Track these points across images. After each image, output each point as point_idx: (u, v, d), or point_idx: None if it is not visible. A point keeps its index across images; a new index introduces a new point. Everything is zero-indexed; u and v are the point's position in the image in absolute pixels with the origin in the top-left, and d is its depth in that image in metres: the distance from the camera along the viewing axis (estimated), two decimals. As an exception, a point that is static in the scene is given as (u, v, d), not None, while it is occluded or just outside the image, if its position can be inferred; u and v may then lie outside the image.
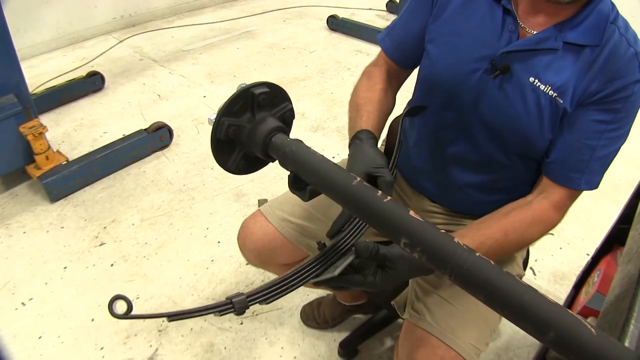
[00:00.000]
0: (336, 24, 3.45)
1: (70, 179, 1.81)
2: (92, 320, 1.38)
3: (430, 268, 0.54)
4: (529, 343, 1.38)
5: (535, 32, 0.73)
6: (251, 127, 0.63)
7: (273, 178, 1.97)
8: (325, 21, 3.51)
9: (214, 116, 0.62)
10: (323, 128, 2.36)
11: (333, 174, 0.55)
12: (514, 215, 0.75)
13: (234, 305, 0.51)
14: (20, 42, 2.20)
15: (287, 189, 0.66)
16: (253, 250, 0.97)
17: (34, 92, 2.27)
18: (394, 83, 0.95)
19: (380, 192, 0.52)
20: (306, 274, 0.59)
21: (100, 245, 1.64)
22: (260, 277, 1.54)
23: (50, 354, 1.30)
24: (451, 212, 0.95)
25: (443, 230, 0.46)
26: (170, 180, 1.95)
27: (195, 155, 2.11)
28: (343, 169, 0.57)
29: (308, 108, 2.50)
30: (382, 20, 3.73)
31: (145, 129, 2.06)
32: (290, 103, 0.70)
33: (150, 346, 1.32)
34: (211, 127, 0.62)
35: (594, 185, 0.76)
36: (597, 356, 0.36)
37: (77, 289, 1.48)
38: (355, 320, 1.43)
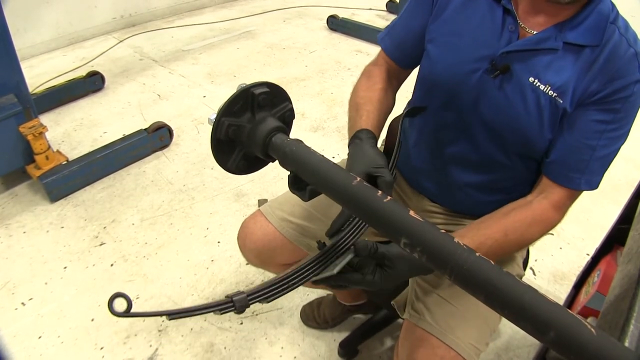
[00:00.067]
0: (336, 24, 3.45)
1: (70, 178, 1.81)
2: (92, 320, 1.38)
3: (429, 267, 0.54)
4: (529, 343, 1.38)
5: (535, 32, 0.73)
6: (251, 127, 0.63)
7: (273, 178, 1.97)
8: (325, 21, 3.51)
9: (214, 116, 0.62)
10: (323, 128, 2.36)
11: (333, 174, 0.55)
12: (514, 215, 0.75)
13: (235, 303, 0.51)
14: (20, 42, 2.19)
15: (287, 189, 0.66)
16: (253, 250, 0.97)
17: (34, 92, 2.28)
18: (393, 82, 0.95)
19: (380, 192, 0.52)
20: (306, 273, 0.59)
21: (100, 245, 1.64)
22: (260, 277, 1.54)
23: (50, 354, 1.30)
24: (451, 212, 0.95)
25: (443, 231, 0.46)
26: (170, 180, 1.95)
27: (195, 155, 2.11)
28: (343, 169, 0.57)
29: (308, 108, 2.50)
30: (382, 20, 3.73)
31: (145, 129, 2.06)
32: (290, 103, 0.70)
33: (150, 346, 1.32)
34: (211, 127, 0.62)
35: (594, 185, 0.76)
36: (597, 356, 0.36)
37: (77, 289, 1.48)
38: (355, 320, 1.43)
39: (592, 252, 1.21)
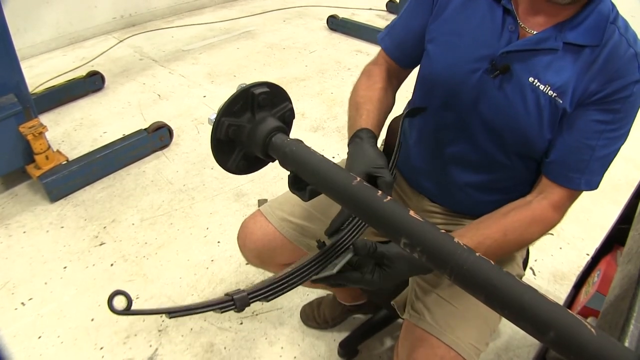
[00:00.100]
0: (336, 24, 3.45)
1: (70, 178, 1.81)
2: (92, 320, 1.38)
3: (428, 267, 0.54)
4: (529, 343, 1.38)
5: (535, 32, 0.73)
6: (251, 127, 0.63)
7: (273, 178, 1.97)
8: (325, 21, 3.51)
9: (214, 116, 0.62)
10: (323, 128, 2.36)
11: (333, 174, 0.55)
12: (513, 215, 0.75)
13: (235, 302, 0.51)
14: (20, 42, 2.19)
15: (287, 189, 0.66)
16: (253, 250, 0.97)
17: (33, 91, 2.27)
18: (393, 82, 0.95)
19: (380, 192, 0.52)
20: (306, 272, 0.59)
21: (100, 245, 1.64)
22: (260, 277, 1.54)
23: (50, 354, 1.30)
24: (451, 212, 0.95)
25: (443, 231, 0.46)
26: (170, 180, 1.95)
27: (195, 155, 2.11)
28: (343, 169, 0.57)
29: (308, 108, 2.50)
30: (382, 20, 3.73)
31: (145, 129, 2.06)
32: (290, 103, 0.70)
33: (150, 346, 1.32)
34: (211, 127, 0.62)
35: (593, 185, 0.76)
36: (597, 356, 0.36)
37: (77, 288, 1.48)
38: (355, 320, 1.42)
39: (592, 252, 1.21)
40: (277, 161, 0.64)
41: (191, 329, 1.38)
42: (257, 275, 1.55)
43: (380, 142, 0.89)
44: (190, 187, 1.92)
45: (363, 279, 0.63)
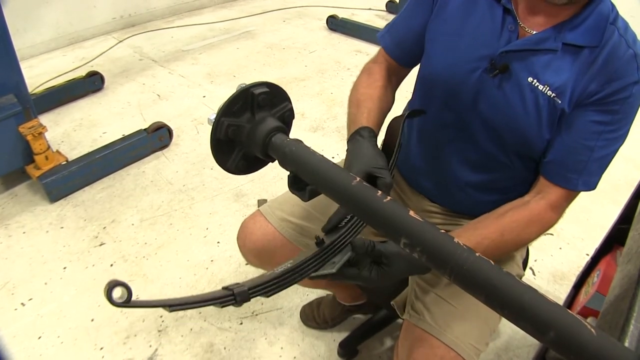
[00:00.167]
0: (336, 24, 3.45)
1: (69, 179, 1.81)
2: (92, 320, 1.38)
3: (427, 266, 0.54)
4: (529, 343, 1.38)
5: (534, 32, 0.73)
6: (251, 127, 0.63)
7: (273, 178, 1.97)
8: (325, 21, 3.51)
9: (214, 116, 0.62)
10: (323, 128, 2.36)
11: (333, 174, 0.55)
12: (510, 215, 0.75)
13: (236, 296, 0.51)
14: (20, 42, 2.20)
15: (287, 189, 0.66)
16: (253, 250, 0.97)
17: (33, 92, 2.27)
18: (393, 80, 0.95)
19: (379, 192, 0.52)
20: (305, 269, 0.59)
21: (100, 245, 1.64)
22: (260, 277, 1.54)
23: (49, 354, 1.30)
24: (450, 212, 0.95)
25: (442, 231, 0.46)
26: (169, 181, 1.95)
27: (195, 155, 2.11)
28: (343, 169, 0.57)
29: (308, 108, 2.50)
30: (381, 20, 3.73)
31: (144, 129, 2.06)
32: (290, 103, 0.70)
33: (150, 346, 1.32)
34: (211, 127, 0.62)
35: (591, 186, 0.76)
36: (597, 356, 0.36)
37: (76, 289, 1.48)
38: (355, 320, 1.42)
39: (591, 252, 1.21)
40: (276, 161, 0.64)
41: (191, 329, 1.37)
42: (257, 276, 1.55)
43: (379, 141, 0.89)
44: (190, 188, 1.92)
45: (360, 275, 0.64)
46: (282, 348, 1.35)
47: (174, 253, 1.62)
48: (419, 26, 0.86)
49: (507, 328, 1.41)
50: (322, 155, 0.59)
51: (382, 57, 0.94)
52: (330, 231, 0.64)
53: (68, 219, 1.73)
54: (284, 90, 0.68)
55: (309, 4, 3.98)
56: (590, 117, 0.72)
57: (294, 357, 1.32)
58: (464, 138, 0.83)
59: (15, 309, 1.41)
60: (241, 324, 1.41)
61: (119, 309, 1.41)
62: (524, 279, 0.49)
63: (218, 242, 1.67)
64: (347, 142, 0.77)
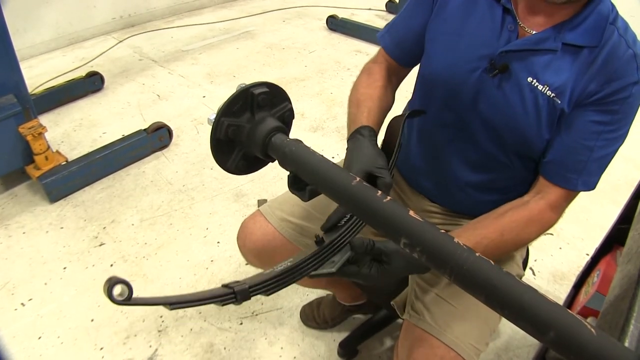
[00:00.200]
0: (336, 24, 3.45)
1: (69, 179, 1.81)
2: (92, 320, 1.38)
3: (426, 265, 0.54)
4: (529, 343, 1.38)
5: (534, 32, 0.73)
6: (251, 127, 0.63)
7: (273, 178, 1.97)
8: (325, 21, 3.51)
9: (214, 116, 0.62)
10: (322, 128, 2.36)
11: (333, 174, 0.55)
12: (510, 215, 0.75)
13: (236, 295, 0.51)
14: (19, 42, 2.20)
15: (287, 189, 0.66)
16: (253, 250, 0.97)
17: (33, 92, 2.27)
18: (393, 80, 0.95)
19: (379, 192, 0.52)
20: (304, 268, 0.59)
21: (100, 245, 1.64)
22: (260, 277, 1.54)
23: (49, 354, 1.30)
24: (450, 212, 0.95)
25: (442, 231, 0.46)
26: (169, 181, 1.95)
27: (195, 155, 2.11)
28: (342, 169, 0.57)
29: (307, 108, 2.50)
30: (381, 20, 3.73)
31: (144, 129, 2.06)
32: (290, 103, 0.70)
33: (150, 346, 1.32)
34: (211, 127, 0.62)
35: (590, 186, 0.76)
36: (597, 356, 0.36)
37: (76, 289, 1.48)
38: (355, 320, 1.42)
39: (591, 252, 1.21)
40: (276, 161, 0.64)
41: (191, 329, 1.37)
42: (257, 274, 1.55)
43: (379, 140, 0.89)
44: (190, 188, 1.92)
45: (360, 272, 0.64)
46: (282, 348, 1.35)
47: (174, 253, 1.62)
48: (418, 26, 0.86)
49: (507, 328, 1.41)
50: (322, 155, 0.59)
51: (382, 57, 0.94)
52: (330, 230, 0.64)
53: (68, 219, 1.73)
54: (283, 90, 0.68)
55: (309, 4, 3.98)
56: (589, 117, 0.72)
57: (294, 357, 1.32)
58: (464, 138, 0.83)
59: (15, 309, 1.41)
60: (241, 324, 1.41)
61: (119, 309, 1.41)
62: (524, 279, 0.49)
63: (218, 242, 1.67)
64: (348, 140, 0.77)
